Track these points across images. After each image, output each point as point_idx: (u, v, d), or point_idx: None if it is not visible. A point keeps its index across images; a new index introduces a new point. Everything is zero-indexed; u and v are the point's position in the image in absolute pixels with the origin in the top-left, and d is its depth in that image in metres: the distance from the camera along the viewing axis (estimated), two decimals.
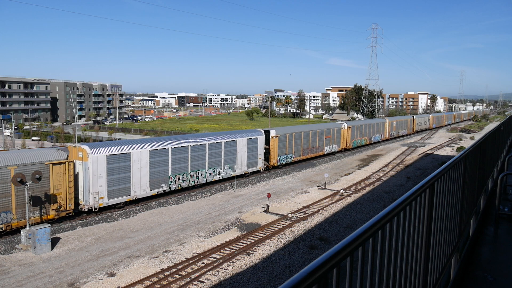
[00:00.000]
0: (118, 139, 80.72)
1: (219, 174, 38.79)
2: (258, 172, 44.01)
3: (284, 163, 47.67)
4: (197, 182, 36.40)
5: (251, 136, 42.67)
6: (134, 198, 31.06)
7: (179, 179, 34.63)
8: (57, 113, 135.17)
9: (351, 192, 36.73)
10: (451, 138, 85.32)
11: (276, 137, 45.80)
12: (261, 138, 44.11)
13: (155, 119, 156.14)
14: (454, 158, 4.57)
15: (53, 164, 26.16)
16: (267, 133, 45.53)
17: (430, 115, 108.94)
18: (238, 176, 40.96)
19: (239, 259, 21.59)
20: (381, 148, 68.94)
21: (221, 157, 38.95)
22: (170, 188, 33.92)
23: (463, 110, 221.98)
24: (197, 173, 36.39)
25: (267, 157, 45.47)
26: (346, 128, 61.07)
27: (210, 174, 37.76)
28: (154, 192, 32.68)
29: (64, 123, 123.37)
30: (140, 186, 31.46)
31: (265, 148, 45.05)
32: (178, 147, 34.49)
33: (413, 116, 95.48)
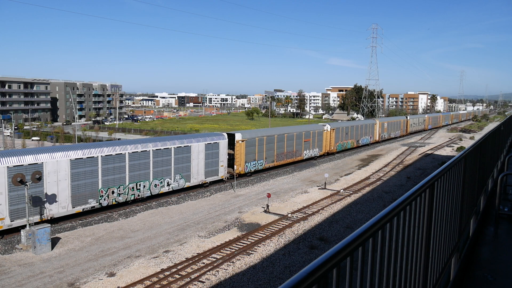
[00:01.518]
0: (118, 139, 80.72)
1: (169, 185, 33.80)
2: (220, 181, 39.34)
3: (253, 170, 42.56)
4: (139, 195, 31.46)
5: (211, 141, 37.70)
6: (49, 218, 26.05)
7: (113, 192, 29.62)
8: (57, 113, 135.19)
9: (351, 192, 36.72)
10: (451, 138, 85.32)
11: (242, 141, 40.85)
12: (223, 143, 39.06)
13: (155, 119, 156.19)
14: (454, 158, 4.57)
15: None
16: (231, 136, 40.72)
17: (426, 116, 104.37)
18: (195, 187, 36.67)
19: (239, 259, 21.59)
20: (381, 148, 68.92)
21: (171, 166, 33.86)
22: (101, 203, 28.91)
23: (462, 110, 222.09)
24: (138, 185, 31.32)
25: (232, 164, 40.80)
26: (329, 130, 56.33)
27: (156, 185, 32.70)
28: (79, 209, 27.64)
29: (64, 123, 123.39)
30: (58, 203, 26.48)
31: (230, 154, 40.47)
32: (111, 155, 29.54)
33: (406, 117, 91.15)
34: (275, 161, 45.87)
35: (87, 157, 28.11)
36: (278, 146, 46.42)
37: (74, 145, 32.19)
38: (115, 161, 29.91)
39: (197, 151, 36.40)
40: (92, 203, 28.52)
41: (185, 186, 35.32)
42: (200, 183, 36.84)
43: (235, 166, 40.51)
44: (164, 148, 33.37)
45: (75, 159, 27.46)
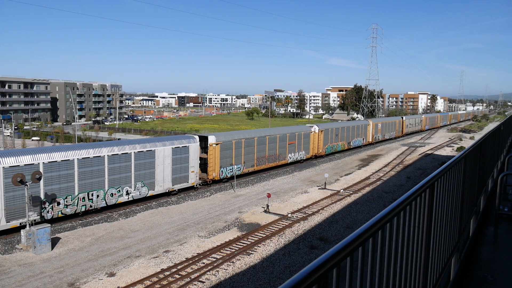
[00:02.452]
0: (118, 139, 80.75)
1: (128, 194, 30.78)
2: (191, 188, 36.27)
3: (229, 176, 39.60)
4: (91, 206, 28.51)
5: (179, 145, 34.48)
6: None
7: (58, 204, 26.64)
8: (57, 113, 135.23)
9: (351, 192, 36.73)
10: (451, 138, 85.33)
11: (216, 144, 37.92)
12: (194, 147, 35.82)
13: (155, 119, 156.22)
14: (454, 158, 4.57)
15: None
16: (204, 139, 38.09)
17: (423, 116, 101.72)
18: (161, 195, 33.79)
19: (239, 259, 21.59)
20: (381, 148, 68.92)
21: (131, 173, 30.85)
22: (43, 216, 25.93)
23: (462, 110, 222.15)
24: (90, 195, 28.31)
25: (205, 169, 38.12)
26: (317, 131, 53.32)
27: (112, 195, 29.72)
28: (15, 223, 24.57)
29: (64, 123, 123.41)
30: None
31: (203, 159, 37.83)
32: (55, 162, 26.26)
33: (402, 117, 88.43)
34: (255, 166, 42.79)
35: (25, 165, 24.76)
36: (259, 150, 43.54)
37: (11, 150, 28.45)
38: (61, 169, 26.53)
39: (163, 156, 33.18)
40: (33, 216, 25.23)
41: (148, 195, 32.34)
42: (167, 191, 33.80)
43: (208, 171, 37.68)
44: (122, 153, 30.19)
45: (10, 167, 24.12)
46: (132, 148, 31.08)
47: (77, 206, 27.78)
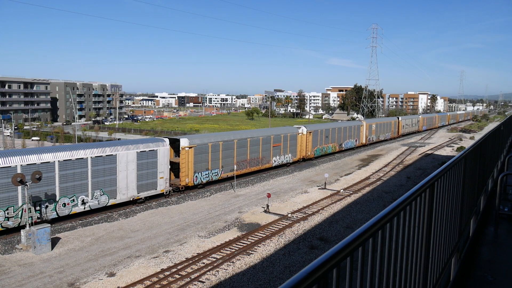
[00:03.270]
0: (118, 139, 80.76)
1: (84, 203, 27.96)
2: (161, 196, 33.35)
3: (205, 181, 36.81)
4: (39, 218, 25.53)
5: (145, 149, 31.65)
6: None
7: None
8: (57, 113, 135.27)
9: (351, 192, 36.73)
10: (451, 138, 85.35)
11: (190, 147, 35.15)
12: (164, 150, 32.96)
13: (155, 119, 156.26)
14: (454, 158, 4.57)
15: None
16: (176, 142, 35.87)
17: (420, 116, 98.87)
18: (126, 203, 31.07)
19: (239, 259, 21.60)
20: (381, 148, 68.93)
21: (87, 180, 27.98)
22: None
23: (462, 110, 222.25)
24: (37, 206, 25.47)
25: (178, 174, 35.58)
26: (305, 133, 50.61)
27: (65, 205, 26.84)
28: None
29: (64, 123, 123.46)
30: None
31: (175, 163, 35.54)
32: None
33: (398, 118, 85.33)
34: (235, 170, 39.80)
35: None
36: (240, 153, 40.74)
37: None
38: (1, 177, 23.83)
39: (126, 161, 30.30)
40: None
41: (109, 204, 29.53)
42: (131, 199, 31.04)
43: (181, 177, 35.02)
44: (77, 159, 27.32)
45: None
46: (89, 153, 28.18)
47: (21, 218, 24.74)
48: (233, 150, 39.98)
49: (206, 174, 36.99)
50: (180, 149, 34.96)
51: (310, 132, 51.47)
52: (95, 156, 28.53)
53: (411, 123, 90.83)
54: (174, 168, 35.86)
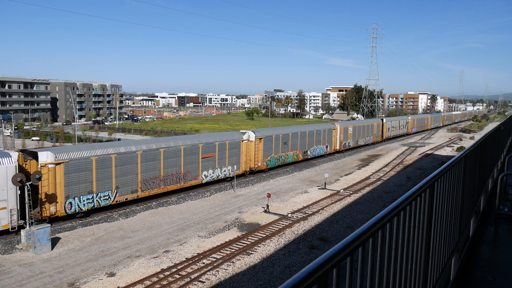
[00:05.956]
0: (118, 139, 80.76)
1: None
2: (4, 233, 24.19)
3: (84, 209, 27.65)
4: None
5: None
6: None
7: None
8: (57, 113, 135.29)
9: (351, 192, 36.73)
10: (451, 138, 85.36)
11: (57, 164, 25.89)
12: (6, 169, 23.82)
13: (155, 119, 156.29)
14: (454, 158, 4.57)
15: None
16: (34, 157, 26.15)
17: (409, 118, 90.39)
18: None
19: (239, 259, 21.60)
20: (381, 148, 68.92)
21: None
22: None
23: (462, 110, 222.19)
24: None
25: (44, 202, 25.71)
26: (253, 140, 41.99)
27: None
28: None
29: (64, 123, 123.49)
30: None
31: (34, 186, 24.69)
32: None
33: (382, 120, 76.44)
34: (139, 191, 31.19)
35: None
36: (147, 168, 31.59)
37: None
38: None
39: None
40: None
41: None
42: None
43: (44, 205, 25.69)
44: None
45: None
46: None
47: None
48: (137, 165, 30.97)
49: (88, 199, 27.92)
50: (40, 167, 25.50)
51: (260, 139, 42.71)
52: None
53: (398, 125, 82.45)
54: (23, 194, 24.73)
